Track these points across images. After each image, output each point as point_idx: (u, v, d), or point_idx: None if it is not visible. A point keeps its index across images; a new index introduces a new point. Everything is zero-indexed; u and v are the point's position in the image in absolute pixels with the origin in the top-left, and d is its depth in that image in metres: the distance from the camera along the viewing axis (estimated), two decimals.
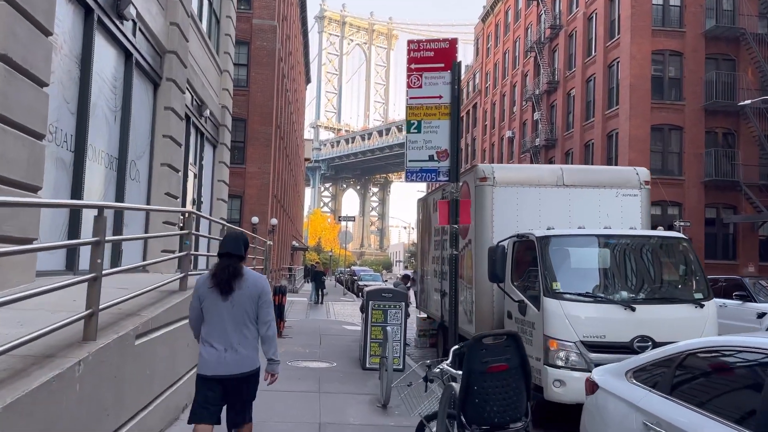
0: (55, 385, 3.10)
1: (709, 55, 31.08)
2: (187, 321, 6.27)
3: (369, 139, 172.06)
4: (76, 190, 7.47)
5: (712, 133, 30.67)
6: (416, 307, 14.15)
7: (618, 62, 32.70)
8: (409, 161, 6.40)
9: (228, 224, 9.50)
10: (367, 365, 9.36)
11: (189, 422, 4.02)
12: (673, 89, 31.79)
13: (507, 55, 53.40)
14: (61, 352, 3.47)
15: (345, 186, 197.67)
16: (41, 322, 3.58)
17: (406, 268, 38.35)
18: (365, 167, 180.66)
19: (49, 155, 6.82)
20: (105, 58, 8.45)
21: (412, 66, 6.67)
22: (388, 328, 7.09)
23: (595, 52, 35.38)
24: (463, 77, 71.59)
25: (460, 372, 3.75)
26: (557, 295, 6.42)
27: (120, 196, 9.14)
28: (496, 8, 56.80)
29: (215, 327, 4.03)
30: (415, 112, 6.68)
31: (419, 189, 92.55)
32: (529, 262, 7.18)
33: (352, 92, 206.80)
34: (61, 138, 7.11)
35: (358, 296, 33.08)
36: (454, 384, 3.82)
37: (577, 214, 8.12)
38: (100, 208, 3.82)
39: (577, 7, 38.74)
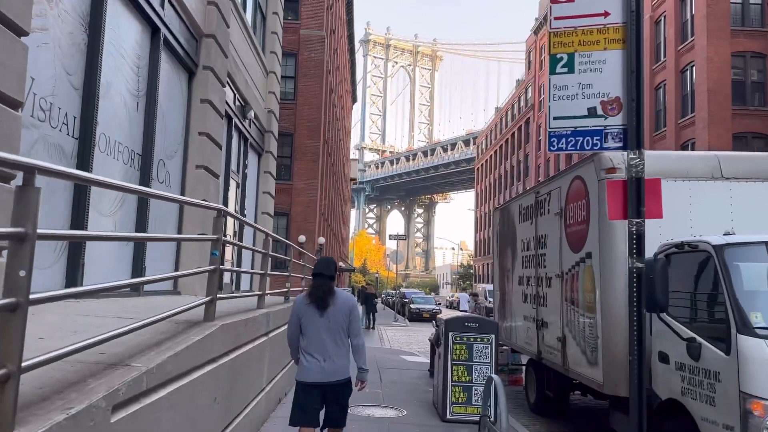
0: None
1: None
2: (216, 365, 4.44)
3: (413, 159, 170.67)
4: (81, 188, 5.79)
5: None
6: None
7: (693, 66, 30.02)
8: (554, 119, 4.24)
9: (274, 235, 7.70)
10: (448, 416, 7.29)
11: (290, 424, 4.49)
12: (757, 94, 28.91)
13: None
14: None
15: (389, 207, 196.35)
16: None
17: (465, 290, 35.65)
18: (410, 188, 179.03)
19: (40, 138, 5.17)
20: (123, 29, 6.83)
21: None
22: (495, 377, 5.05)
23: (664, 57, 32.75)
24: (514, 91, 69.50)
25: None
26: (759, 333, 4.28)
27: (143, 202, 7.48)
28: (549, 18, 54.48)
29: (314, 339, 4.46)
30: (562, 40, 4.38)
31: (469, 207, 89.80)
32: (696, 283, 5.07)
33: (397, 114, 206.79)
34: (58, 118, 5.45)
35: (410, 320, 30.92)
36: None
37: (741, 215, 5.95)
38: (27, 169, 1.98)
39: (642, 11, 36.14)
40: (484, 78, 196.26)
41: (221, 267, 4.64)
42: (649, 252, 5.77)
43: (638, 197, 4.07)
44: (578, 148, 4.17)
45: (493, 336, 7.38)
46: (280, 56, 16.12)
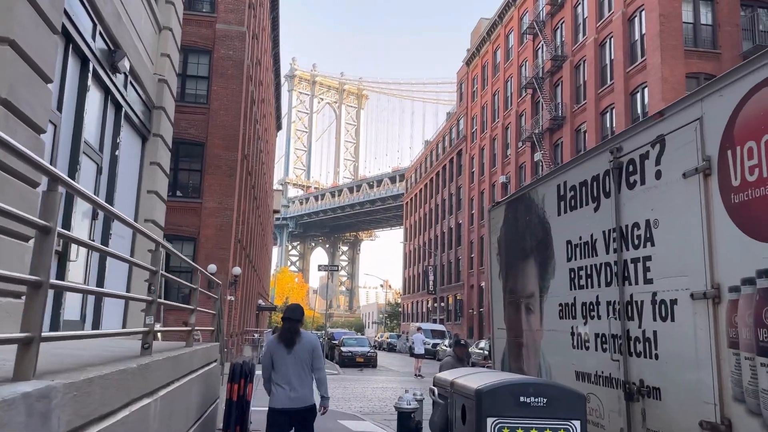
0: None
1: None
2: None
3: (339, 196, 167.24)
4: None
5: None
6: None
7: (644, 88, 28.27)
8: None
9: (123, 216, 3.55)
10: None
11: None
12: None
13: (497, 96, 49.19)
14: None
15: (313, 244, 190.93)
16: None
17: (420, 329, 30.35)
18: (334, 225, 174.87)
19: None
20: None
21: None
22: None
23: (612, 79, 31.05)
24: (445, 124, 67.70)
25: None
26: None
27: None
28: (483, 49, 53.13)
29: (282, 372, 5.32)
30: None
31: (398, 240, 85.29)
32: None
33: (322, 150, 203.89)
34: None
35: (341, 366, 26.48)
36: None
37: None
38: None
39: (584, 35, 34.69)
40: (410, 117, 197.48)
41: None
42: None
43: None
44: None
45: (578, 423, 3.50)
46: (180, 14, 12.02)
